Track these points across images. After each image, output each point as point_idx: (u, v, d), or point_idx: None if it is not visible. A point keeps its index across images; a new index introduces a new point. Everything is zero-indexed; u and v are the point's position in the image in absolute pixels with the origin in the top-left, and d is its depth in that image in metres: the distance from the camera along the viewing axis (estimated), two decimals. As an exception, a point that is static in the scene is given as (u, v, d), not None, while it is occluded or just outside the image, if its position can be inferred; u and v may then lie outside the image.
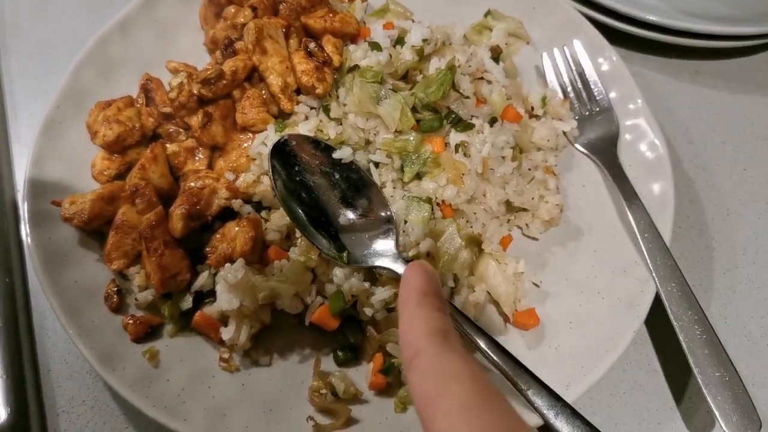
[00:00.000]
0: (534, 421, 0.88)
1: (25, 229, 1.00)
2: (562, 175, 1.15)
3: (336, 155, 1.01)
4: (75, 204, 1.02)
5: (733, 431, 0.89)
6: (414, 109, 1.04)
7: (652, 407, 1.01)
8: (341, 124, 1.06)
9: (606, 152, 1.14)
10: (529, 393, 0.88)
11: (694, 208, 1.18)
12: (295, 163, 0.99)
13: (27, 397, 0.97)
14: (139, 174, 1.03)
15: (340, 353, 1.00)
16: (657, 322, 1.04)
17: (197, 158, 1.08)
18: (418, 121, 1.04)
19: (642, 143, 1.13)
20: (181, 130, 1.11)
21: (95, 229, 1.03)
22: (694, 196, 1.20)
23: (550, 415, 0.88)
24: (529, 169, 1.11)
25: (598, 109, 1.18)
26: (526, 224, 1.10)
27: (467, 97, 1.08)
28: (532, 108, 1.18)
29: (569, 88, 1.21)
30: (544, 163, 1.14)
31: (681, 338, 0.95)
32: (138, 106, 1.13)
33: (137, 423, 0.99)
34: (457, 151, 1.02)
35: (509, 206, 1.09)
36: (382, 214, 0.99)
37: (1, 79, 1.31)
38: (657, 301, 0.98)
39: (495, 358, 0.90)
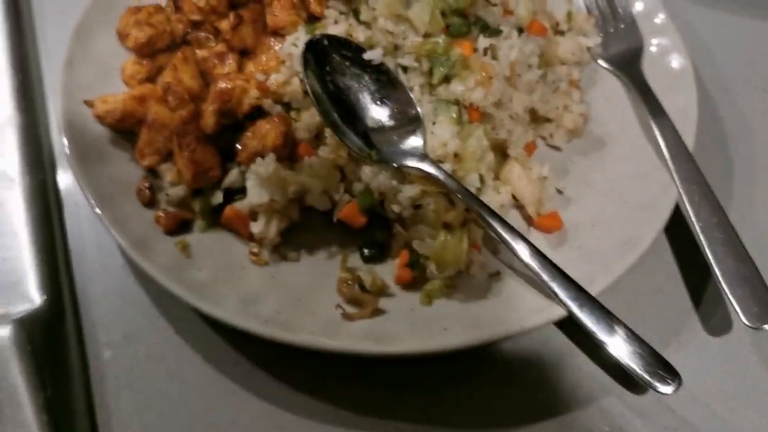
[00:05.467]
0: (558, 312, 0.91)
1: (59, 125, 1.02)
2: (586, 91, 1.16)
3: (366, 56, 1.02)
4: (107, 103, 1.04)
5: (752, 322, 0.90)
6: (442, 15, 1.05)
7: (672, 309, 1.03)
8: (370, 28, 1.07)
9: (630, 66, 1.15)
10: (554, 286, 0.91)
11: (715, 126, 1.20)
12: (327, 62, 1.01)
13: (61, 285, 1.00)
14: (171, 74, 1.05)
15: (366, 250, 1.01)
16: (677, 232, 1.06)
17: (227, 63, 1.10)
18: (446, 26, 1.05)
19: (665, 57, 1.14)
20: (210, 36, 1.12)
21: (126, 129, 1.05)
22: (715, 115, 1.21)
23: (574, 306, 0.91)
24: (554, 82, 1.13)
25: (622, 26, 1.19)
26: (550, 134, 1.12)
27: (495, 5, 1.09)
28: (557, 24, 1.19)
29: (594, 5, 1.22)
30: (568, 76, 1.15)
31: (702, 238, 0.96)
32: (167, 12, 1.14)
33: (169, 314, 1.01)
34: (485, 54, 1.04)
35: (534, 116, 1.10)
36: (411, 113, 1.00)
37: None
38: (677, 212, 1.00)
39: (520, 253, 0.92)
